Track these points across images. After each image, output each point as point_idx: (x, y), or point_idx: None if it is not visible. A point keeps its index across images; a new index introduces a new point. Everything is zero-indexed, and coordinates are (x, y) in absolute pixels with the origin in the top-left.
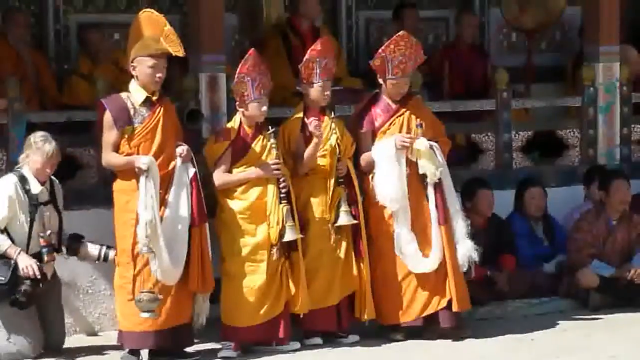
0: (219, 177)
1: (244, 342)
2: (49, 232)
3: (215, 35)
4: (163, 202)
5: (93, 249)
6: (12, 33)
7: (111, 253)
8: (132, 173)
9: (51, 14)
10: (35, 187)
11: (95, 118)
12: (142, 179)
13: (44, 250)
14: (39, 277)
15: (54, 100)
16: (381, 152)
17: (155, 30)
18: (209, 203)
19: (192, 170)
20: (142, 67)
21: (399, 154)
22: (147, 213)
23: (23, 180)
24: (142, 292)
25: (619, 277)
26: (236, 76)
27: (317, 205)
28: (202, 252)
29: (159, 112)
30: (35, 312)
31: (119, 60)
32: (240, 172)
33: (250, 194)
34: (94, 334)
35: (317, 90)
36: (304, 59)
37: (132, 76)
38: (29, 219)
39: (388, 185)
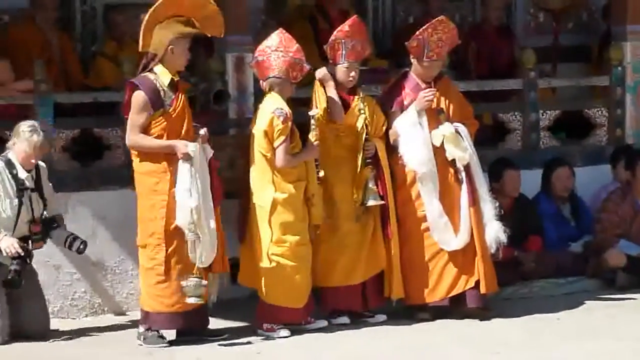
0: (284, 157)
1: (286, 322)
2: (40, 217)
3: (241, 16)
4: None
5: (60, 235)
6: (39, 16)
7: (75, 244)
8: (162, 155)
9: None
10: (22, 172)
11: (121, 99)
12: (186, 165)
13: (35, 237)
14: (22, 254)
15: (78, 83)
16: (404, 121)
17: (186, 11)
18: (234, 185)
19: (210, 152)
20: (178, 49)
21: (421, 118)
22: (193, 200)
23: (10, 164)
24: (190, 277)
25: None
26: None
27: (345, 186)
28: (220, 232)
29: (182, 95)
30: (3, 297)
31: None
32: (300, 154)
33: (300, 176)
34: (122, 313)
35: (341, 71)
36: (330, 39)
37: (157, 59)
38: (16, 204)
39: (414, 149)
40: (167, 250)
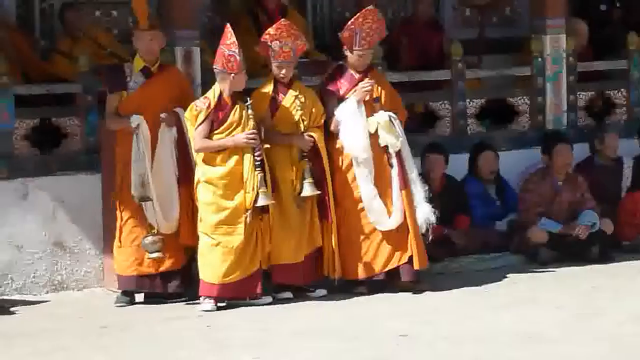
0: (199, 142)
1: (220, 297)
2: None
3: (189, 12)
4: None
5: None
6: None
7: None
8: (117, 135)
9: None
10: None
11: (76, 91)
12: (133, 137)
13: None
14: None
15: (38, 71)
16: (344, 110)
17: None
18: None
19: (175, 133)
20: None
21: (360, 108)
22: (140, 167)
23: None
24: (145, 236)
25: (566, 234)
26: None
27: (283, 173)
28: (191, 208)
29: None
30: None
31: (97, 37)
32: (219, 140)
33: (229, 162)
34: (81, 290)
35: (274, 68)
36: (260, 41)
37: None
38: None
39: (354, 136)
40: (121, 219)
